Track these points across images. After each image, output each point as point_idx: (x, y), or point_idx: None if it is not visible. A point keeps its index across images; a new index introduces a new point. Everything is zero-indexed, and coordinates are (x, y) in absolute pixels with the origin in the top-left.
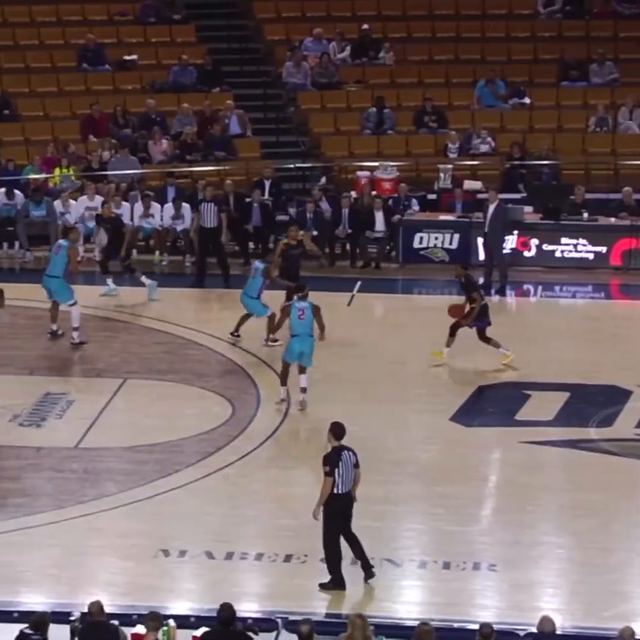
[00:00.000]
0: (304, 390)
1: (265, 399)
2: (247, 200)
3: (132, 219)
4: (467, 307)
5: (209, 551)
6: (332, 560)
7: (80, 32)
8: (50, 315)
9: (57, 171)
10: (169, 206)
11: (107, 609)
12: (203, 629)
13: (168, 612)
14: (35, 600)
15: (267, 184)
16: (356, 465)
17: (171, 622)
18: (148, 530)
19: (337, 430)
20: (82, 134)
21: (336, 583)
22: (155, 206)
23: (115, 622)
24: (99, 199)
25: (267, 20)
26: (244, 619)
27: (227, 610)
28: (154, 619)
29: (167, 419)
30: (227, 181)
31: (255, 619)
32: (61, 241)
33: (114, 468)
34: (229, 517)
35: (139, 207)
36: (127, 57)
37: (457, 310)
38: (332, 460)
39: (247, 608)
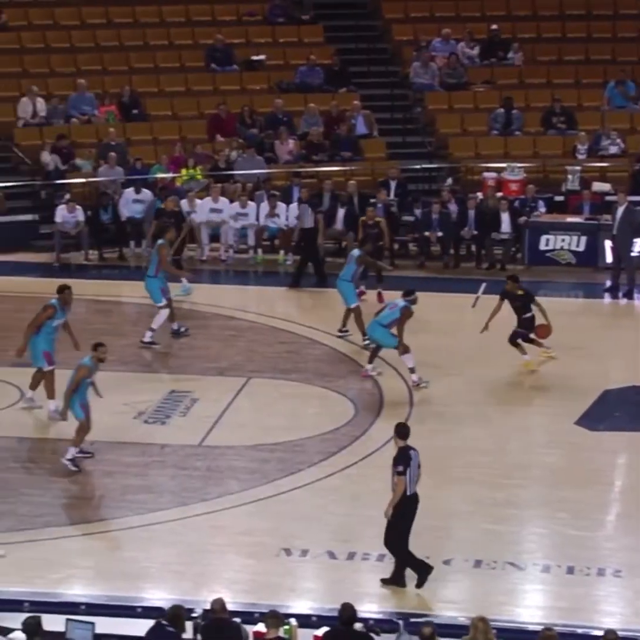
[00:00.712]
0: (410, 370)
1: (388, 400)
2: (372, 200)
3: (257, 219)
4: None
5: (330, 551)
6: (409, 559)
7: (209, 32)
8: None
9: (183, 171)
10: (294, 206)
11: (229, 607)
12: (324, 629)
13: (289, 611)
14: (159, 596)
15: (393, 184)
16: (419, 465)
17: (293, 620)
18: (270, 528)
19: (402, 430)
20: (209, 134)
21: (422, 572)
22: (280, 206)
23: (237, 620)
24: (222, 200)
25: (396, 21)
26: (365, 620)
27: (348, 610)
28: (274, 617)
29: (290, 418)
30: (351, 181)
31: (376, 620)
32: (159, 240)
33: (236, 466)
34: (351, 517)
35: (264, 206)
36: (255, 57)
37: (544, 330)
38: (404, 460)
39: (368, 608)
